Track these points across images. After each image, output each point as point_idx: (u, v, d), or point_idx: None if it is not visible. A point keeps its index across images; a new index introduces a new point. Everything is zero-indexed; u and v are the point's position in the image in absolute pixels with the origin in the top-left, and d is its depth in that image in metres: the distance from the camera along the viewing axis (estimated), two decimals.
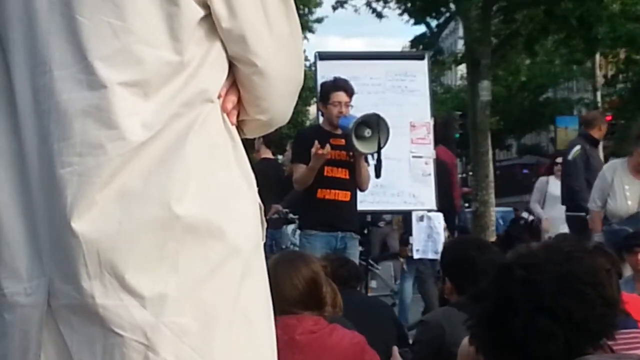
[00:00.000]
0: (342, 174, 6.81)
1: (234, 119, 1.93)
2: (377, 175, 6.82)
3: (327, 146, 6.57)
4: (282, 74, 1.94)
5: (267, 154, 9.74)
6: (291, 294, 3.51)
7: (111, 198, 1.71)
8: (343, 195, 6.82)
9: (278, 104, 1.99)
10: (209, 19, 1.82)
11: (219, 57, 1.86)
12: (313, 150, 6.53)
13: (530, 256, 2.38)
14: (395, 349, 3.86)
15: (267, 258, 1.95)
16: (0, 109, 1.83)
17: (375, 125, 6.67)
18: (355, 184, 6.90)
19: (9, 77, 1.82)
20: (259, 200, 1.94)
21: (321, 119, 7.25)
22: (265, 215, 1.98)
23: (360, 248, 7.95)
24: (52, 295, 1.74)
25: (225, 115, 1.89)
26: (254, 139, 8.69)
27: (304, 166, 6.74)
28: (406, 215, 8.96)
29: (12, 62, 1.81)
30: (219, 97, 1.87)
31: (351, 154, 6.80)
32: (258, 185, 1.95)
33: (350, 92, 6.92)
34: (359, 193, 7.03)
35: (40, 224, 1.76)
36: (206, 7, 1.80)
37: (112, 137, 1.72)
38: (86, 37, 1.73)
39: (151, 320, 1.72)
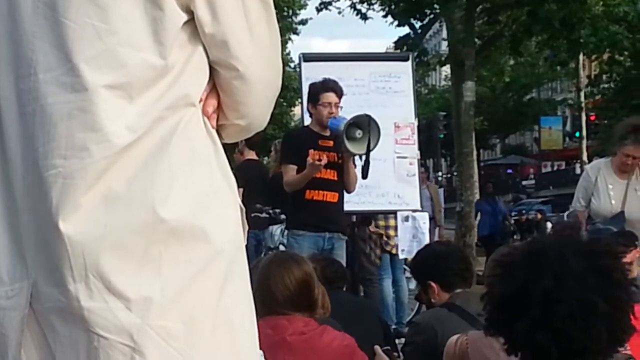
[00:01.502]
0: (330, 175, 6.81)
1: (214, 123, 1.94)
2: (364, 176, 6.83)
3: (325, 158, 6.59)
4: (262, 79, 1.96)
5: (250, 155, 9.74)
6: (282, 295, 3.51)
7: (96, 201, 1.71)
8: (331, 197, 6.83)
9: (257, 109, 2.00)
10: (191, 23, 1.84)
11: (200, 62, 1.87)
12: (310, 159, 6.54)
13: (566, 267, 2.30)
14: (378, 348, 3.87)
15: (251, 259, 1.96)
16: None
17: (366, 126, 6.69)
18: (343, 185, 6.91)
19: None
20: (240, 202, 1.95)
21: (308, 121, 7.23)
22: (249, 216, 1.99)
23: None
24: (36, 298, 1.74)
25: (206, 119, 1.90)
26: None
27: (294, 167, 6.75)
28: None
29: None
30: (200, 101, 1.88)
31: (339, 155, 6.81)
32: (242, 186, 1.96)
33: (339, 93, 6.93)
34: (345, 193, 7.04)
35: (25, 227, 1.75)
36: (189, 12, 1.82)
37: (96, 139, 1.72)
38: (71, 40, 1.73)
39: (137, 322, 1.72)
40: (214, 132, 1.92)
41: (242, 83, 1.92)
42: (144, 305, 1.72)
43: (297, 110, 33.34)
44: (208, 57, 1.89)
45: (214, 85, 1.93)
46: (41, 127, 1.73)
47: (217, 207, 1.85)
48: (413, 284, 9.10)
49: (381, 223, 9.60)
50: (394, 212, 8.45)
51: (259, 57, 1.93)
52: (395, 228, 8.97)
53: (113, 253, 1.72)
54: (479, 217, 18.20)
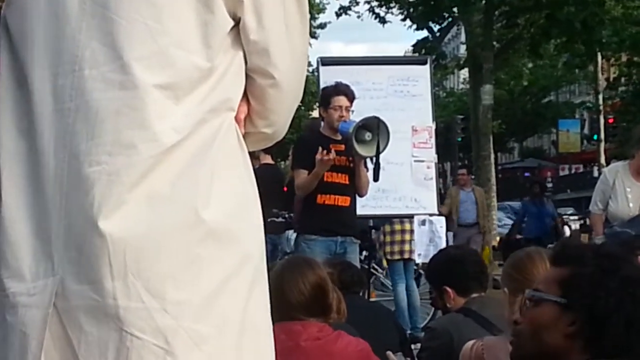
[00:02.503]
0: (341, 179, 6.79)
1: (243, 130, 1.96)
2: (375, 178, 6.79)
3: (333, 152, 6.56)
4: (293, 89, 2.01)
5: (267, 159, 9.76)
6: (297, 300, 3.50)
7: (140, 199, 1.73)
8: (343, 201, 6.80)
9: (284, 117, 2.05)
10: (235, 29, 1.87)
11: (240, 68, 1.91)
12: (318, 156, 6.51)
13: None
14: (390, 353, 3.86)
15: (268, 263, 1.98)
16: (6, 109, 1.84)
17: (375, 128, 6.65)
18: (355, 189, 6.89)
19: (19, 76, 1.83)
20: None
21: (321, 125, 7.23)
22: (266, 220, 2.01)
23: (364, 253, 7.95)
24: (61, 295, 1.74)
25: (237, 125, 1.93)
26: None
27: (305, 172, 6.71)
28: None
29: (29, 61, 1.82)
30: None
31: (351, 159, 6.78)
32: (259, 191, 1.99)
33: (351, 97, 6.90)
34: (359, 197, 7.02)
35: (55, 223, 1.75)
36: (235, 18, 1.86)
37: (145, 137, 1.74)
38: (122, 37, 1.75)
39: (173, 324, 1.73)
40: (242, 138, 1.95)
41: (277, 91, 1.96)
42: (180, 307, 1.74)
43: (315, 114, 33.37)
44: (246, 64, 1.92)
45: (244, 92, 1.96)
46: (85, 123, 1.75)
47: (249, 213, 1.89)
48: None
49: (397, 227, 9.58)
50: (411, 216, 8.43)
51: (293, 66, 1.98)
52: (411, 232, 8.98)
53: (154, 253, 1.73)
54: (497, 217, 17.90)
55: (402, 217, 9.15)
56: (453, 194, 14.15)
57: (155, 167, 1.74)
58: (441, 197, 14.08)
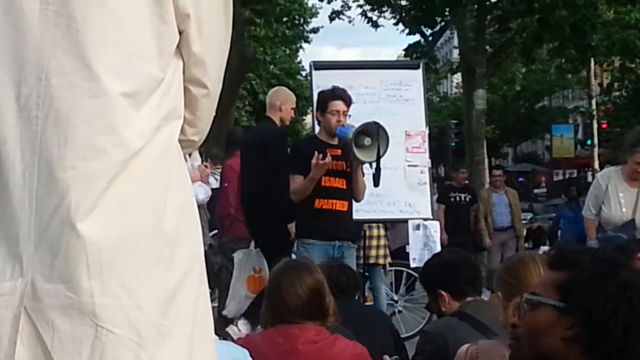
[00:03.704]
0: (339, 183, 6.79)
1: None
2: (376, 184, 6.79)
3: (329, 156, 6.56)
4: (217, 97, 2.11)
5: None
6: (295, 303, 3.51)
7: (112, 201, 1.79)
8: (340, 205, 6.81)
9: (208, 125, 2.14)
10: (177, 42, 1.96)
11: (180, 78, 1.99)
12: (314, 161, 6.51)
13: None
14: (387, 357, 3.86)
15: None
16: None
17: (375, 133, 6.66)
18: (352, 193, 6.89)
19: None
20: None
21: (317, 129, 7.23)
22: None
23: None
24: (31, 296, 1.77)
25: None
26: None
27: (301, 177, 6.71)
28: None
29: None
30: None
31: (348, 164, 6.79)
32: None
33: (348, 101, 6.90)
34: (355, 202, 7.02)
35: (25, 226, 1.79)
36: (180, 30, 1.94)
37: (115, 142, 1.80)
38: (90, 48, 1.80)
39: (145, 320, 1.81)
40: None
41: (208, 101, 2.07)
42: (149, 303, 1.82)
43: (308, 118, 33.39)
44: (183, 75, 2.00)
45: None
46: (56, 129, 1.79)
47: (193, 213, 1.98)
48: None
49: (366, 234, 9.50)
50: (405, 221, 8.42)
51: (220, 76, 2.09)
52: (378, 237, 8.98)
53: (127, 252, 1.80)
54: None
55: (396, 222, 9.13)
56: (485, 196, 13.43)
57: (124, 170, 1.81)
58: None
